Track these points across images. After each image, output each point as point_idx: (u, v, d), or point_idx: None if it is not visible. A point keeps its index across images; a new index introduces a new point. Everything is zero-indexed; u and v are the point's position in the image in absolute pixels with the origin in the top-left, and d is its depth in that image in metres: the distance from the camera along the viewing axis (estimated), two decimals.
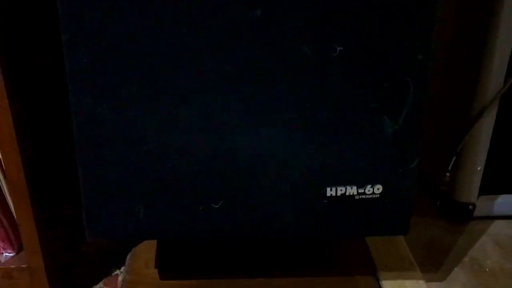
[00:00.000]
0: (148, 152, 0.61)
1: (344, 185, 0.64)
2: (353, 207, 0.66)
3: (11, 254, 0.76)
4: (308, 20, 0.57)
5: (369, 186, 0.64)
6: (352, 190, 0.65)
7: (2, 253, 0.76)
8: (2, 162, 0.68)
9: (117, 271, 0.85)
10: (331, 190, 0.65)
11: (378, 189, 0.65)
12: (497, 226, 0.94)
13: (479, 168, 0.90)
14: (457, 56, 0.89)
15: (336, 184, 0.64)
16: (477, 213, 0.94)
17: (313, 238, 0.83)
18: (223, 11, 0.56)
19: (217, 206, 0.64)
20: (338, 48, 0.58)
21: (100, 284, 0.83)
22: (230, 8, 0.56)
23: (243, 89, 0.59)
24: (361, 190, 0.65)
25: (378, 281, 0.80)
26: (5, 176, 0.69)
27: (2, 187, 0.71)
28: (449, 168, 0.90)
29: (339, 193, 0.65)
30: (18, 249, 0.76)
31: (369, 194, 0.65)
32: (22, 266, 0.75)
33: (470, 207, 0.93)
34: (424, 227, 0.93)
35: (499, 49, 0.81)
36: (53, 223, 0.76)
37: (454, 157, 0.89)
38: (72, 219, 0.78)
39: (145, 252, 0.83)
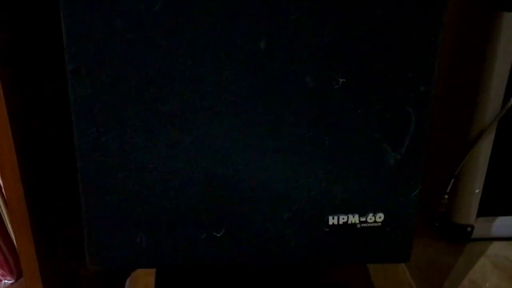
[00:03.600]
0: (150, 180, 0.61)
1: (346, 213, 0.64)
2: (355, 235, 0.66)
3: (10, 281, 0.76)
4: (311, 53, 0.57)
5: (371, 214, 0.65)
6: (354, 219, 0.65)
7: (1, 280, 0.76)
8: (4, 191, 0.67)
9: None
10: (333, 218, 0.65)
11: (380, 217, 0.65)
12: (496, 248, 0.95)
13: (477, 191, 0.90)
14: (456, 79, 0.90)
15: (338, 212, 0.64)
16: (475, 234, 0.94)
17: (314, 264, 0.83)
18: (227, 43, 0.56)
19: (219, 235, 0.64)
20: (341, 80, 0.58)
21: None
22: (235, 40, 0.56)
23: (245, 118, 0.59)
24: (363, 219, 0.65)
25: None
26: (6, 204, 0.68)
27: (2, 215, 0.71)
28: (448, 190, 0.91)
29: (341, 222, 0.65)
30: (18, 276, 0.76)
31: (370, 223, 0.65)
32: None
33: (469, 228, 0.94)
34: (423, 248, 0.94)
35: (497, 72, 0.82)
36: (53, 250, 0.76)
37: (453, 180, 0.90)
38: (72, 243, 0.78)
39: (144, 276, 0.83)
